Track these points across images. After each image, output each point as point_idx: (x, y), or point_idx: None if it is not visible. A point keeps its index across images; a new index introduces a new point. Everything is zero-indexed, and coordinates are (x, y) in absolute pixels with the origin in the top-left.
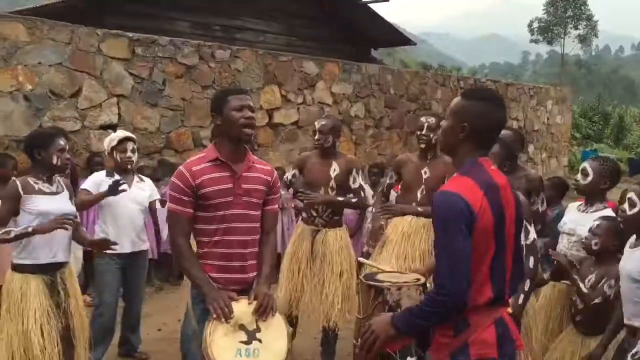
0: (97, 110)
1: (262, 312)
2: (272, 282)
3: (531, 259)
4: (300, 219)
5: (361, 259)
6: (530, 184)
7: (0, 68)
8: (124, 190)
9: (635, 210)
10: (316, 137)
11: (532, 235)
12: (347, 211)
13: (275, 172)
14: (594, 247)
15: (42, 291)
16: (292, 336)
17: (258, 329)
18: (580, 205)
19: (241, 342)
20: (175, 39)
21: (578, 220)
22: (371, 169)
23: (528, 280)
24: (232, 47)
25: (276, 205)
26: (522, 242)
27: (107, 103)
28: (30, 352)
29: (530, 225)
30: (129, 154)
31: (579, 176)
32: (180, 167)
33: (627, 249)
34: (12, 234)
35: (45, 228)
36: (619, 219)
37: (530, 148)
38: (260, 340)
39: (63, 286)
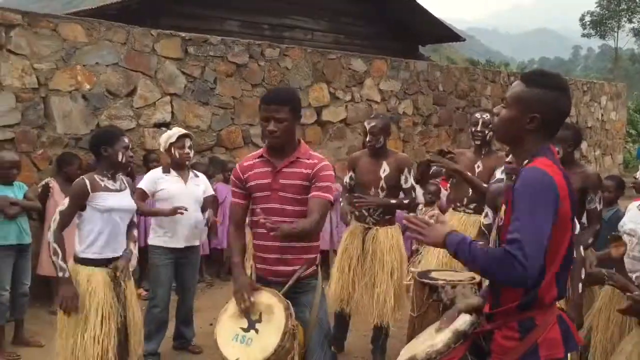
0: (151, 109)
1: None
2: (295, 232)
3: (581, 248)
4: (352, 217)
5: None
6: (586, 180)
7: (60, 68)
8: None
9: None
10: (367, 139)
11: (577, 226)
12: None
13: (323, 163)
14: None
15: (107, 284)
16: (344, 334)
17: (259, 320)
18: (638, 204)
19: (241, 328)
20: (226, 38)
21: (637, 220)
22: (419, 166)
23: (583, 269)
24: (281, 46)
25: (320, 193)
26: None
27: (160, 102)
28: (89, 343)
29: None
30: (186, 150)
31: (638, 174)
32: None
33: (636, 211)
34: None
35: (165, 212)
36: None
37: (584, 145)
38: (257, 331)
39: (122, 279)
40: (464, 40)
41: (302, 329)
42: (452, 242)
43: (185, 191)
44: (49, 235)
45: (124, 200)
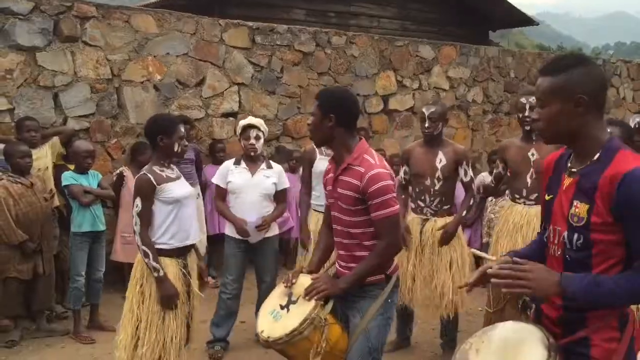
0: (219, 99)
1: (307, 291)
2: (349, 286)
3: None
4: (409, 208)
5: (474, 251)
6: None
7: (133, 59)
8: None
9: None
10: (426, 125)
11: None
12: (460, 200)
13: (371, 173)
14: None
15: (178, 275)
16: (408, 327)
17: (295, 302)
18: None
19: (280, 305)
20: (292, 27)
21: None
22: (490, 156)
23: None
24: (348, 33)
25: (380, 211)
26: None
27: (228, 92)
28: (162, 334)
29: None
30: (251, 141)
31: None
32: None
33: None
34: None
35: (236, 224)
36: None
37: None
38: (288, 310)
39: (191, 269)
40: (537, 24)
41: (341, 330)
42: (572, 286)
43: (250, 183)
44: (136, 238)
45: (185, 186)
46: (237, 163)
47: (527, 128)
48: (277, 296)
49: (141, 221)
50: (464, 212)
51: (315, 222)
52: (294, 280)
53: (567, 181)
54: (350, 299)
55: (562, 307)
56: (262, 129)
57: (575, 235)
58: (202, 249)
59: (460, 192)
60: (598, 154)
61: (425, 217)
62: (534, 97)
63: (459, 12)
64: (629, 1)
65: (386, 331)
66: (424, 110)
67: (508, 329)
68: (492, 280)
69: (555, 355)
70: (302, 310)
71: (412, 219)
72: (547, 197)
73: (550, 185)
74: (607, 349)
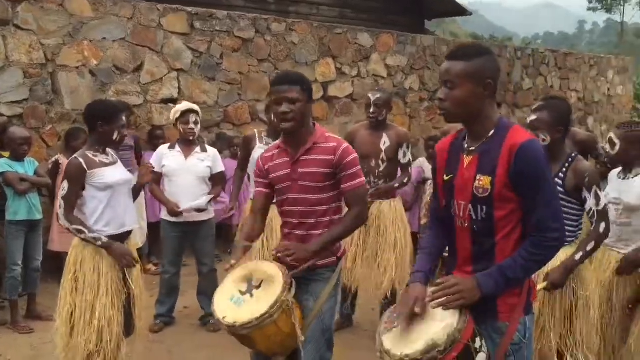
0: (158, 85)
1: (281, 259)
2: (317, 250)
3: (602, 224)
4: None
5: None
6: (578, 144)
7: (67, 44)
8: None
9: (617, 148)
10: (371, 111)
11: (604, 201)
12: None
13: (343, 146)
14: None
15: (112, 263)
16: (352, 308)
17: (259, 287)
18: (620, 172)
19: (239, 291)
20: (232, 13)
21: (621, 188)
22: (427, 142)
23: (593, 242)
24: (288, 20)
25: (352, 183)
26: (594, 208)
27: (167, 77)
28: (97, 322)
29: (600, 191)
30: (191, 125)
31: (607, 147)
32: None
33: (616, 180)
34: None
35: (168, 207)
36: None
37: (590, 120)
38: (252, 296)
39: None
40: (471, 14)
41: (301, 314)
42: (486, 286)
43: (184, 166)
44: (62, 222)
45: (120, 172)
46: (172, 147)
47: (371, 119)
48: (233, 282)
49: (65, 204)
50: (397, 184)
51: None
52: (233, 262)
53: (467, 159)
54: (304, 283)
55: (472, 272)
56: (200, 114)
57: (479, 207)
58: (143, 237)
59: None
60: (492, 131)
61: (370, 200)
62: (379, 94)
63: (396, 1)
64: None
65: (335, 311)
66: (370, 96)
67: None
68: (434, 303)
69: (465, 313)
70: (270, 294)
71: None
72: (446, 177)
73: (449, 167)
74: (510, 304)
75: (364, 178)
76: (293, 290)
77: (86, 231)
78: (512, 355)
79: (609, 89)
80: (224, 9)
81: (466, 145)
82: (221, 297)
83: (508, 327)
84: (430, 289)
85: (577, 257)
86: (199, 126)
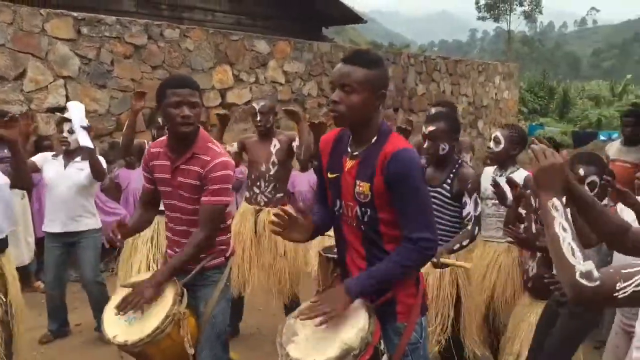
0: (43, 93)
1: (122, 305)
2: (164, 280)
3: (477, 228)
4: (243, 198)
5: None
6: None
7: None
8: None
9: (501, 147)
10: (258, 119)
11: (480, 208)
12: (304, 188)
13: (217, 161)
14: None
15: None
16: (239, 318)
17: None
18: (495, 170)
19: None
20: (122, 18)
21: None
22: None
23: (468, 240)
24: (182, 26)
25: (210, 198)
26: (473, 213)
27: (53, 85)
28: None
29: (479, 198)
30: (65, 134)
31: (491, 144)
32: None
33: (492, 177)
34: None
35: None
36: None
37: (480, 123)
38: (142, 312)
39: (5, 270)
40: (366, 22)
41: (195, 321)
42: (356, 288)
43: (61, 176)
44: None
45: None
46: (55, 156)
47: (259, 128)
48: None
49: None
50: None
51: None
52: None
53: (349, 163)
54: (194, 288)
55: (366, 268)
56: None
57: (364, 210)
58: (30, 253)
59: (297, 182)
60: (375, 138)
61: (259, 206)
62: (263, 102)
63: (293, 8)
64: (450, 2)
65: (228, 313)
66: (254, 105)
67: None
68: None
69: (374, 315)
70: (161, 308)
71: (246, 209)
72: (331, 175)
73: (332, 166)
74: (408, 304)
75: (228, 198)
76: (185, 300)
77: None
78: (410, 355)
79: (496, 94)
80: (114, 15)
81: (350, 149)
82: (111, 314)
83: (406, 327)
84: (299, 310)
85: (454, 246)
86: (74, 135)
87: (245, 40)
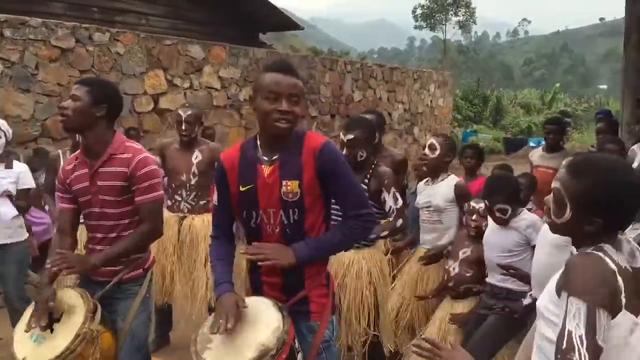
0: None
1: (54, 264)
2: (101, 263)
3: (400, 220)
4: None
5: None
6: (396, 165)
7: None
8: None
9: (437, 153)
10: (183, 128)
11: (401, 200)
12: None
13: (138, 157)
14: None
15: None
16: (168, 326)
17: (58, 320)
18: (427, 181)
19: (41, 325)
20: (47, 21)
21: (429, 193)
22: None
23: (387, 231)
24: (112, 30)
25: (146, 195)
26: (394, 206)
27: None
28: None
29: (397, 193)
30: None
31: (427, 151)
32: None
33: (424, 187)
34: None
35: None
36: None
37: (416, 130)
38: (52, 330)
39: None
40: (302, 28)
41: (111, 336)
42: (301, 253)
43: None
44: None
45: None
46: None
47: (184, 137)
48: (34, 316)
49: None
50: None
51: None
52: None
53: (267, 169)
54: (111, 302)
55: (282, 274)
56: (2, 128)
57: (291, 211)
58: None
59: None
60: (292, 140)
61: (182, 214)
62: (190, 111)
63: (229, 14)
64: (389, 10)
65: (149, 325)
66: (180, 112)
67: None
68: (248, 256)
69: (287, 315)
70: (70, 326)
71: (168, 218)
72: (243, 188)
73: (244, 178)
74: (321, 303)
75: (160, 192)
76: (98, 316)
77: None
78: (324, 352)
79: (431, 101)
80: (42, 17)
81: (263, 157)
82: (20, 334)
83: (319, 325)
84: (245, 249)
85: (372, 235)
86: (1, 141)
87: (179, 45)
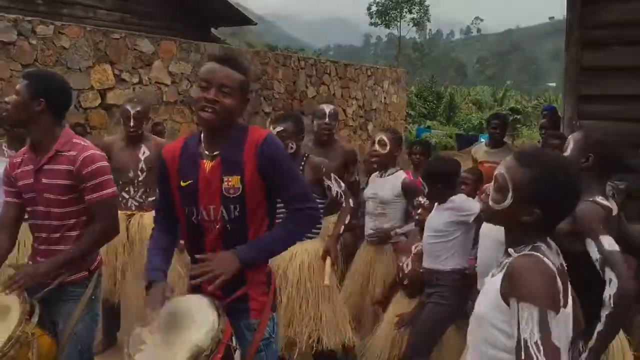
0: None
1: (6, 286)
2: (51, 270)
3: (350, 201)
4: None
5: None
6: (346, 155)
7: None
8: None
9: (387, 148)
10: (131, 124)
11: (342, 184)
12: None
13: (84, 155)
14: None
15: None
16: (116, 327)
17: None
18: (377, 173)
19: None
20: None
21: (377, 185)
22: None
23: (348, 215)
24: (56, 23)
25: (96, 194)
26: (339, 190)
27: None
28: None
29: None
30: None
31: (377, 147)
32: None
33: (375, 178)
34: None
35: None
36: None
37: (370, 126)
38: None
39: None
40: (255, 23)
41: (51, 340)
42: (246, 256)
43: None
44: None
45: None
46: None
47: (132, 134)
48: None
49: None
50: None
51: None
52: None
53: (208, 164)
54: (54, 304)
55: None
56: None
57: (232, 207)
58: None
59: None
60: (233, 135)
61: (130, 211)
62: (139, 107)
63: (180, 8)
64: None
65: (94, 329)
66: (128, 108)
67: (176, 303)
68: (192, 282)
69: (223, 313)
70: (4, 329)
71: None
72: (183, 183)
73: (184, 173)
74: (261, 301)
75: (112, 189)
76: (35, 319)
77: None
78: (264, 350)
79: (385, 97)
80: None
81: (205, 152)
82: None
83: (259, 323)
84: (190, 273)
85: (340, 228)
86: None
87: (128, 38)
